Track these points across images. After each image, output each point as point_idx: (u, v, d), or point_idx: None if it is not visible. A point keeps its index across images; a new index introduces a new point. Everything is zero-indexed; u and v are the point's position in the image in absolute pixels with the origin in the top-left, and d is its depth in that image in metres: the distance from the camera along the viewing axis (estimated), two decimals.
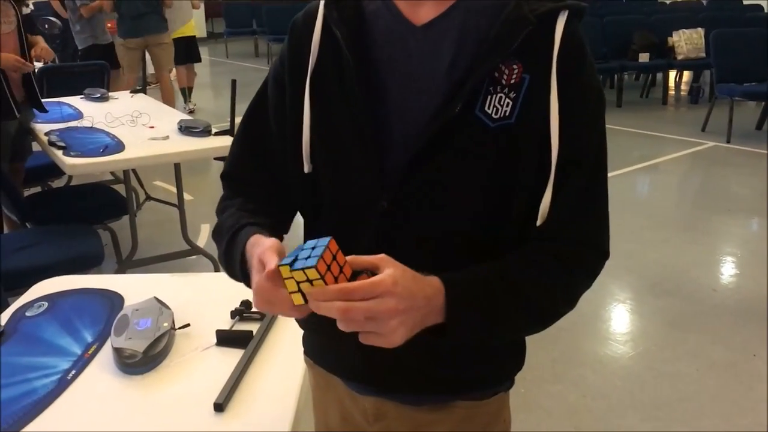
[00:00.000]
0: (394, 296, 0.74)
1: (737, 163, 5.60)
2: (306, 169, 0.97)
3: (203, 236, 4.03)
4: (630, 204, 4.73)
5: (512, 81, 0.87)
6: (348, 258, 0.77)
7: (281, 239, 1.05)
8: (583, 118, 0.88)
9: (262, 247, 0.84)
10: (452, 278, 0.83)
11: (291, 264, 0.74)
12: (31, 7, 3.59)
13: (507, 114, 0.87)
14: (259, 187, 1.05)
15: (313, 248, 0.74)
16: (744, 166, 5.51)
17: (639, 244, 3.97)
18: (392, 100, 0.91)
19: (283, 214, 1.06)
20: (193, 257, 3.57)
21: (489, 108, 0.87)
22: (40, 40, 3.55)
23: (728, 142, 5.97)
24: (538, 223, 0.88)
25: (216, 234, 1.03)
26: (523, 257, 0.90)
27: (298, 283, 0.74)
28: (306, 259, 0.73)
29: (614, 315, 3.22)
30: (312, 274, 0.72)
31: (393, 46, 0.92)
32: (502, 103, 0.87)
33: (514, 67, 0.86)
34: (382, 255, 0.79)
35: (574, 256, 0.91)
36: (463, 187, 0.90)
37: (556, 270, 0.90)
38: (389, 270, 0.76)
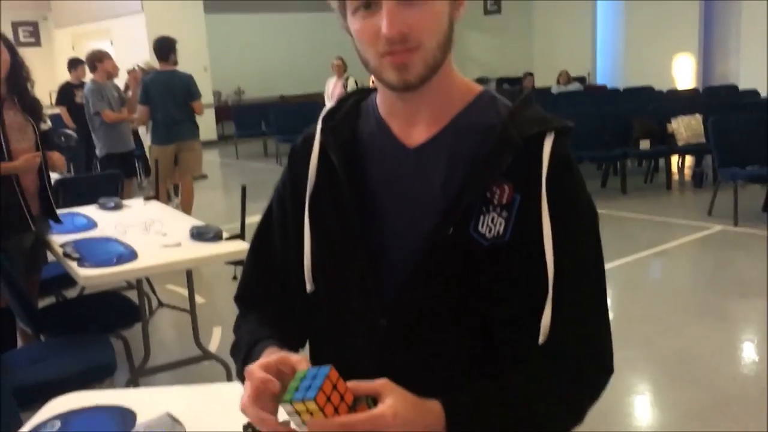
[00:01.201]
0: (394, 429, 0.76)
1: (747, 246, 5.59)
2: (308, 288, 1.00)
3: (215, 340, 4.02)
4: (643, 291, 4.71)
5: (504, 201, 0.90)
6: (349, 384, 0.78)
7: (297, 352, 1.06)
8: (576, 236, 0.91)
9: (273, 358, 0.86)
10: (453, 403, 0.84)
11: (291, 395, 0.75)
12: (49, 123, 3.71)
13: (500, 233, 0.89)
14: (271, 306, 1.07)
15: (314, 377, 0.76)
16: (753, 248, 5.50)
17: (656, 332, 3.93)
18: (388, 220, 0.95)
19: (296, 329, 1.07)
20: (206, 363, 3.55)
21: (482, 227, 0.89)
22: (56, 154, 3.65)
23: (736, 225, 5.98)
24: (541, 340, 0.89)
25: (233, 351, 1.05)
26: (524, 376, 0.91)
27: (298, 413, 0.75)
28: (306, 390, 0.74)
29: (634, 408, 3.15)
30: (311, 406, 0.73)
31: (388, 168, 0.96)
32: (495, 222, 0.89)
33: (505, 187, 0.90)
34: (384, 381, 0.80)
35: (575, 373, 0.91)
36: (460, 304, 0.91)
37: (558, 388, 0.90)
38: (390, 400, 0.77)
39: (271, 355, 0.88)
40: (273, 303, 1.07)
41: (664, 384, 3.36)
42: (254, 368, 0.82)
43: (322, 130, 1.00)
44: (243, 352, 0.99)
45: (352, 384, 0.78)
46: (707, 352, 3.69)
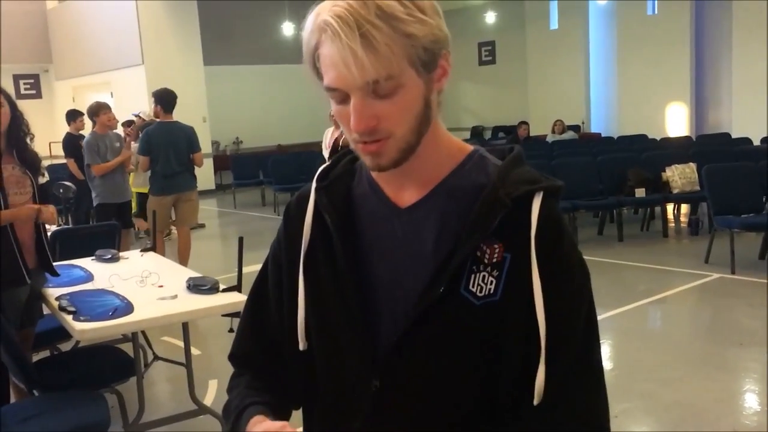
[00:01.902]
0: None
1: (744, 295, 5.57)
2: (301, 346, 1.00)
3: (211, 393, 3.97)
4: (642, 340, 4.67)
5: (494, 260, 0.90)
6: None
7: (289, 416, 1.06)
8: (567, 297, 0.91)
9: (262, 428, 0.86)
10: None
11: None
12: (47, 177, 3.73)
13: (491, 291, 0.90)
14: (264, 366, 1.07)
15: None
16: (751, 297, 5.48)
17: (655, 383, 3.89)
18: (380, 281, 0.95)
19: (290, 390, 1.07)
20: (202, 417, 3.50)
21: (473, 286, 0.90)
22: (50, 207, 3.64)
23: (733, 273, 5.98)
24: (535, 402, 0.89)
25: (224, 413, 1.05)
26: None
27: None
28: None
29: None
30: None
31: (379, 229, 0.97)
32: (485, 281, 0.90)
33: (495, 246, 0.90)
34: None
35: None
36: (452, 364, 0.91)
37: None
38: None
39: (255, 426, 0.90)
40: (267, 363, 1.07)
41: None
42: None
43: (316, 189, 1.01)
44: (231, 419, 0.99)
45: None
46: (708, 403, 3.64)
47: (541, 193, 0.91)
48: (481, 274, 0.90)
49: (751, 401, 3.70)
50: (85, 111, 7.02)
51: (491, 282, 0.90)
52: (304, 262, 0.99)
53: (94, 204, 6.54)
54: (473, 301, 0.90)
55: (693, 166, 7.65)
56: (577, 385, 0.91)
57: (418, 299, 0.91)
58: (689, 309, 5.56)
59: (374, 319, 0.94)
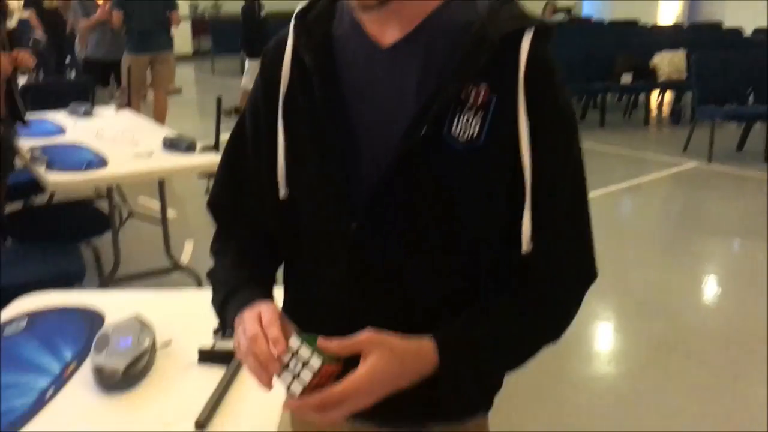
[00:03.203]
0: (369, 394, 0.81)
1: (718, 185, 5.66)
2: (282, 194, 0.97)
3: (187, 252, 4.01)
4: (614, 224, 4.76)
5: (479, 102, 0.86)
6: (334, 344, 0.81)
7: (274, 281, 1.06)
8: (556, 143, 0.87)
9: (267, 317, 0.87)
10: (447, 347, 0.86)
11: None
12: (15, 21, 3.56)
13: (475, 135, 0.86)
14: (244, 218, 1.06)
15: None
16: (724, 188, 5.57)
17: (623, 264, 4.00)
18: (361, 123, 0.91)
19: (272, 252, 1.06)
20: (176, 273, 3.55)
21: (456, 129, 0.86)
22: (23, 52, 3.51)
23: (709, 162, 6.04)
24: (524, 249, 0.87)
25: (210, 279, 1.05)
26: (514, 305, 0.92)
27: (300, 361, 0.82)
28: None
29: (598, 334, 3.23)
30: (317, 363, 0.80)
31: (360, 69, 0.92)
32: (470, 122, 0.86)
33: (481, 88, 0.86)
34: (369, 336, 0.82)
35: (562, 285, 0.92)
36: (432, 209, 0.89)
37: (547, 308, 0.92)
38: (371, 359, 0.81)
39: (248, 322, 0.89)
40: (244, 215, 1.06)
41: (628, 314, 3.44)
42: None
43: (294, 30, 0.95)
44: (220, 296, 0.99)
45: (337, 345, 0.81)
46: (672, 285, 3.77)
47: (532, 31, 0.86)
48: (465, 116, 0.86)
49: (712, 285, 3.84)
50: None
51: (476, 124, 0.86)
52: (283, 106, 0.95)
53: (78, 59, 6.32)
54: (456, 145, 0.86)
55: (682, 54, 7.54)
56: (565, 230, 0.90)
57: (399, 142, 0.87)
58: (663, 196, 5.64)
59: (355, 162, 0.91)
